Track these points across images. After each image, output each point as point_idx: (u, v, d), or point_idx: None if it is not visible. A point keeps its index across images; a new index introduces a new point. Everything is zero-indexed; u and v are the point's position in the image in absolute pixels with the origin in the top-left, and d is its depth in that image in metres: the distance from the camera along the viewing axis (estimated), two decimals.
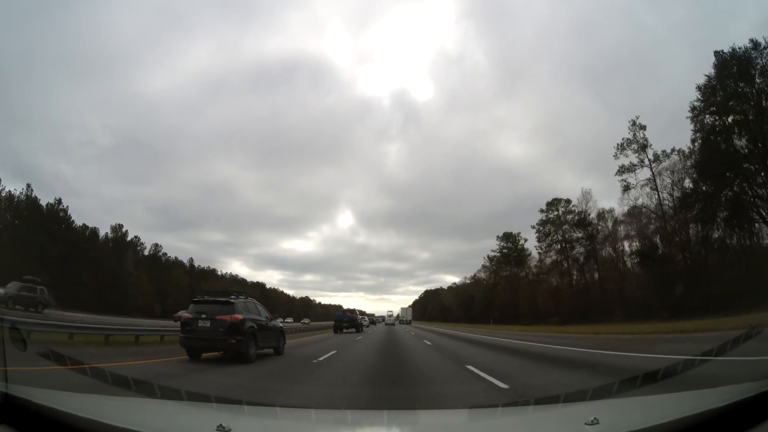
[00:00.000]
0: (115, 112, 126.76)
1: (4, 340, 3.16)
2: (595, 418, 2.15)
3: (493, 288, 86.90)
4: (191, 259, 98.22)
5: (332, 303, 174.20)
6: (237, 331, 11.32)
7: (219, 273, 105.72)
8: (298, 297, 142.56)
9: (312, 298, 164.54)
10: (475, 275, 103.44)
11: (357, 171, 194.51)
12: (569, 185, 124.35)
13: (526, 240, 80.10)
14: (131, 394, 3.89)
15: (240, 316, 11.63)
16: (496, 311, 76.28)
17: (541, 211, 68.33)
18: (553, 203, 66.99)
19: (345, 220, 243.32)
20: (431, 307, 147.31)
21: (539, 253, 71.48)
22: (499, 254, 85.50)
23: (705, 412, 2.05)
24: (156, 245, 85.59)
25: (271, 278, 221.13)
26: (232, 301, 12.09)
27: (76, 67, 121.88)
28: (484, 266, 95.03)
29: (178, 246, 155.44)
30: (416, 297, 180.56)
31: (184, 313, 13.11)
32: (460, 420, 3.56)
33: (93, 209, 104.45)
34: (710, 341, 10.41)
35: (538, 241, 68.96)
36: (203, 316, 11.58)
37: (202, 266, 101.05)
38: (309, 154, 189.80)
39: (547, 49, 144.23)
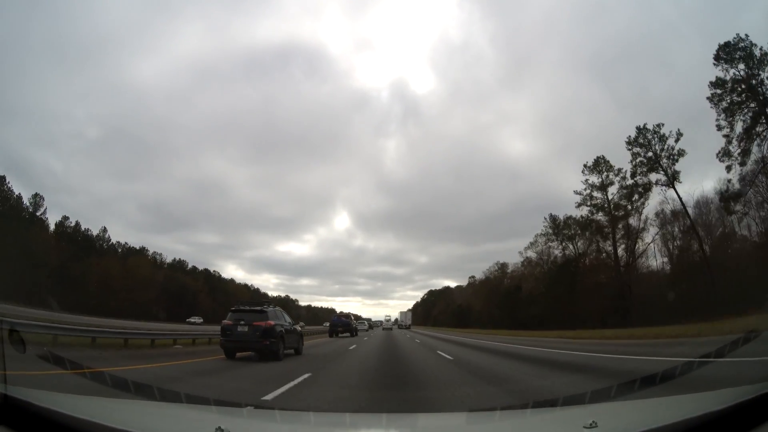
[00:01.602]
0: (102, 102, 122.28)
1: (3, 341, 3.15)
2: (593, 422, 2.15)
3: (565, 266, 54.73)
4: (98, 235, 78.33)
5: (322, 306, 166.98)
6: (270, 334, 13.48)
7: (116, 245, 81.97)
8: (273, 295, 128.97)
9: (293, 297, 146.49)
10: (501, 265, 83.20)
11: (354, 168, 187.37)
12: (572, 186, 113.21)
13: (679, 136, 43.54)
14: (131, 396, 3.89)
15: (272, 322, 13.82)
16: (581, 305, 47.12)
17: (718, 61, 38.95)
18: (734, 49, 37.98)
19: (341, 221, 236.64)
20: (438, 309, 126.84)
21: (727, 156, 37.82)
22: (589, 194, 51.24)
23: (703, 414, 2.05)
24: (36, 195, 69.62)
25: (268, 282, 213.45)
26: (265, 310, 14.37)
27: (61, 54, 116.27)
28: (544, 234, 62.18)
29: (174, 248, 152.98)
30: (414, 302, 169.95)
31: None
32: (459, 423, 3.56)
33: (85, 206, 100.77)
34: None
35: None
36: (242, 322, 13.69)
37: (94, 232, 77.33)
38: (304, 150, 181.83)
39: (554, 34, 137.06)
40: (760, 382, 2.26)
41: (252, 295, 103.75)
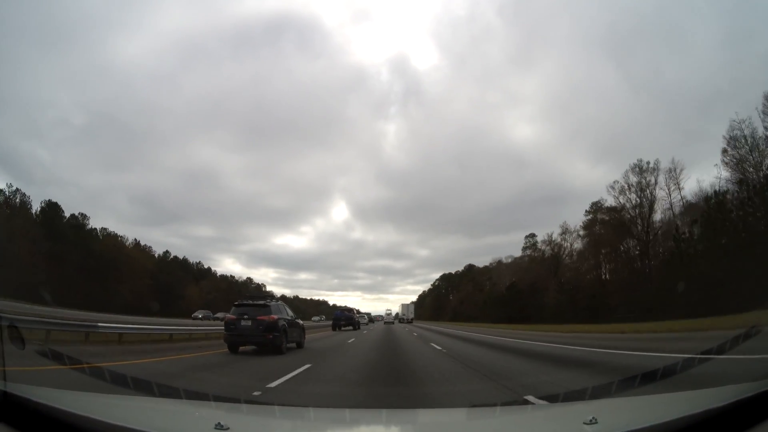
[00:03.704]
0: (86, 86, 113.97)
1: (2, 338, 3.15)
2: (593, 418, 2.15)
3: None
4: None
5: (313, 299, 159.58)
6: (274, 328, 13.68)
7: None
8: (255, 283, 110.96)
9: (258, 282, 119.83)
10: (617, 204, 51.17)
11: (351, 155, 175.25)
12: (580, 175, 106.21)
13: None
14: (130, 392, 3.89)
15: (275, 317, 14.02)
16: None
17: None
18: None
19: (339, 212, 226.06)
20: (460, 298, 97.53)
21: None
22: None
23: (704, 411, 2.05)
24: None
25: (266, 276, 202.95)
26: (268, 304, 14.69)
27: (40, 35, 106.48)
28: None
29: (168, 241, 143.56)
30: (419, 294, 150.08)
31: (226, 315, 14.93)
32: (459, 419, 3.56)
33: (76, 200, 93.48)
34: None
35: None
36: (245, 316, 13.86)
37: None
38: (298, 134, 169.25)
39: (567, 3, 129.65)
40: (761, 379, 2.25)
41: (179, 269, 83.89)
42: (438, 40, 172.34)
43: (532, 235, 74.43)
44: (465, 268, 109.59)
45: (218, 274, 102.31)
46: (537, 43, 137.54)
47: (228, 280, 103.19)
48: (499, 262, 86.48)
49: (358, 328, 40.87)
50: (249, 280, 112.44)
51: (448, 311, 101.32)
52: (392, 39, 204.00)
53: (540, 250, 72.17)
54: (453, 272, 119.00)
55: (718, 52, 76.51)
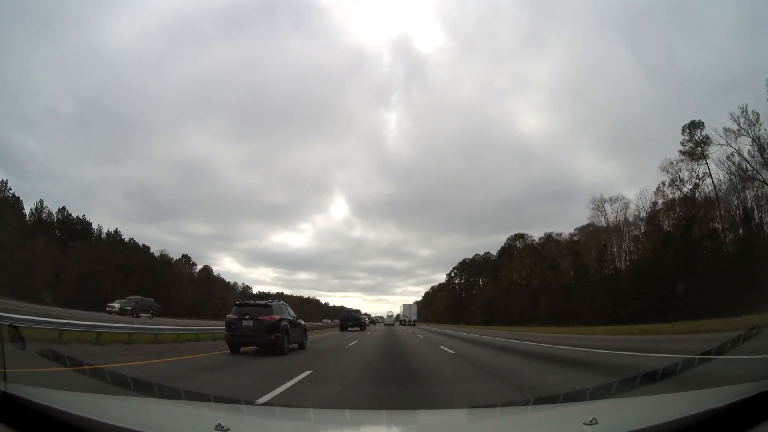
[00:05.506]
0: (73, 72, 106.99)
1: (2, 338, 3.15)
2: (594, 418, 2.15)
3: None
4: None
5: (301, 295, 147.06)
6: (275, 329, 13.66)
7: None
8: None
9: (207, 266, 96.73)
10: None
11: (350, 146, 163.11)
12: (589, 169, 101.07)
13: None
14: (130, 393, 3.89)
15: (277, 317, 14.03)
16: None
17: None
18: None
19: (339, 209, 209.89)
20: (496, 291, 70.41)
21: None
22: None
23: (704, 412, 2.05)
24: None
25: (265, 276, 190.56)
26: (270, 304, 14.71)
27: (22, 16, 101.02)
28: None
29: (165, 239, 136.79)
30: (424, 293, 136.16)
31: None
32: (460, 419, 3.56)
33: (70, 195, 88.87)
34: None
35: None
36: (247, 317, 13.85)
37: None
38: (293, 122, 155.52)
39: None
40: (761, 380, 2.25)
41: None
42: (444, 18, 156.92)
43: (698, 124, 41.90)
44: (508, 240, 78.69)
45: (142, 244, 75.55)
46: (549, 22, 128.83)
47: (139, 250, 72.15)
48: (559, 234, 58.12)
49: (365, 329, 42.50)
50: (185, 258, 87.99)
51: (476, 310, 74.82)
52: (394, 17, 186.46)
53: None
54: (482, 254, 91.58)
55: (732, 36, 75.42)
